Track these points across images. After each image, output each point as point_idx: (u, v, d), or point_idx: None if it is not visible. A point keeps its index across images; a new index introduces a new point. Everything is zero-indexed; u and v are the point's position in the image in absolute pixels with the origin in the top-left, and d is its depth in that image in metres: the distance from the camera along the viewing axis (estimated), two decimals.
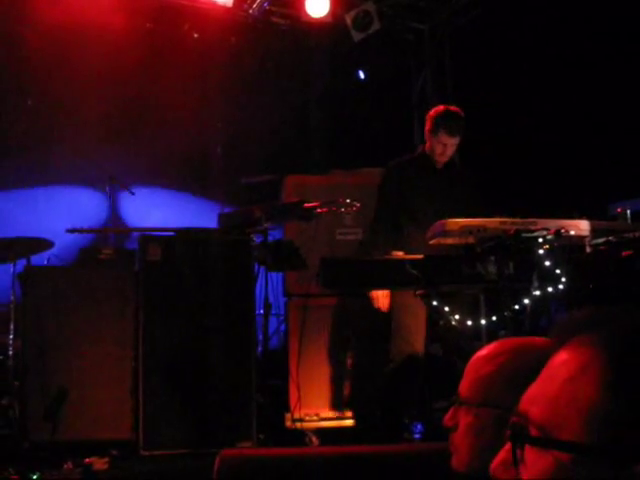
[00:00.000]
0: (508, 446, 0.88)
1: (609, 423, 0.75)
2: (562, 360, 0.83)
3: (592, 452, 0.75)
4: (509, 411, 0.91)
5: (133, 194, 5.28)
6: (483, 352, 1.42)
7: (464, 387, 1.40)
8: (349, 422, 4.93)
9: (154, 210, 5.83)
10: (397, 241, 4.24)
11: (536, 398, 0.84)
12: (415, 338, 4.18)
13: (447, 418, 1.42)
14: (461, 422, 1.38)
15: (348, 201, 3.95)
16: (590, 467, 0.76)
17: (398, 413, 4.35)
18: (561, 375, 0.81)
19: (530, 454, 0.82)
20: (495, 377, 1.33)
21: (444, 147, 4.25)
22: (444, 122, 4.20)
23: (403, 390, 4.30)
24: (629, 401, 0.75)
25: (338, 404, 4.92)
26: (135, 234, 4.60)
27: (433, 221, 3.48)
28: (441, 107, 4.31)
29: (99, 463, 3.91)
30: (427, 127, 4.32)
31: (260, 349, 4.51)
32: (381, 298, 4.21)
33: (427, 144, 4.36)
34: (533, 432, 0.82)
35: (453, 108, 4.27)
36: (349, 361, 4.98)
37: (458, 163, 4.64)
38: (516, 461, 0.84)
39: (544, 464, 0.80)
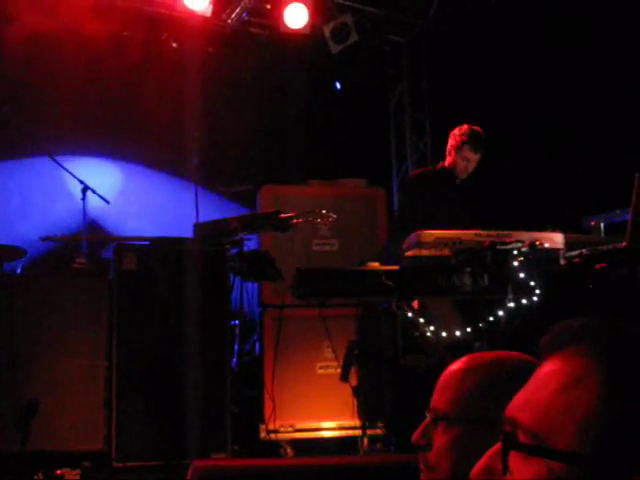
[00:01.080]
0: (491, 452, 0.88)
1: (605, 434, 0.75)
2: (553, 369, 0.83)
3: (587, 463, 0.75)
4: (496, 424, 0.89)
5: (108, 203, 5.25)
6: (457, 366, 1.38)
7: (443, 402, 1.35)
8: (325, 434, 4.91)
9: (128, 219, 5.79)
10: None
11: (525, 405, 0.83)
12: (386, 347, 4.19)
13: (417, 436, 1.37)
14: (439, 439, 1.33)
15: (324, 212, 3.96)
16: (581, 477, 0.75)
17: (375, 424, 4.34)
18: (553, 384, 0.81)
19: (516, 461, 0.81)
20: (480, 391, 1.30)
21: (467, 163, 4.52)
22: (469, 139, 4.51)
23: (377, 401, 4.30)
24: (625, 413, 0.75)
25: (313, 415, 4.90)
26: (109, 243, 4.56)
27: None
28: (465, 126, 4.59)
29: (70, 474, 3.87)
30: (451, 143, 4.59)
31: (235, 360, 4.49)
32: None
33: (449, 159, 4.59)
34: (522, 438, 0.81)
35: (476, 128, 4.57)
36: (329, 372, 4.95)
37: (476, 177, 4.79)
38: (506, 468, 0.83)
39: (533, 472, 0.79)
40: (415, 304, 3.71)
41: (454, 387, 1.35)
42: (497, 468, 0.85)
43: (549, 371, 0.83)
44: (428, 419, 1.38)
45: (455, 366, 1.40)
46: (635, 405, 0.75)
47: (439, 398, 1.37)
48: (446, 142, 4.69)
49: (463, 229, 3.54)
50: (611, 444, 0.75)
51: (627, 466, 0.74)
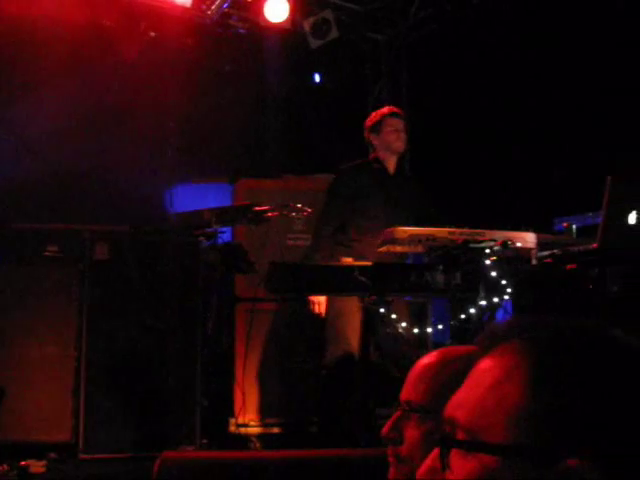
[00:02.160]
0: (434, 453, 0.89)
1: (533, 424, 0.77)
2: (487, 366, 0.85)
3: (516, 453, 0.77)
4: None
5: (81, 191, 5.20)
6: (431, 359, 1.38)
7: (417, 395, 1.35)
8: (294, 428, 4.91)
9: (105, 207, 5.73)
10: (344, 245, 4.26)
11: (462, 403, 0.85)
12: (351, 345, 4.18)
13: (387, 429, 1.37)
14: (412, 432, 1.33)
15: (299, 206, 3.95)
16: (515, 468, 0.77)
17: (336, 420, 4.34)
18: (486, 381, 0.84)
19: (456, 459, 0.83)
20: (455, 383, 1.29)
21: (397, 131, 4.40)
22: (385, 112, 4.45)
23: (340, 395, 4.30)
24: (550, 402, 0.78)
25: (283, 410, 4.90)
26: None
27: (385, 226, 3.51)
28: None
29: (36, 466, 3.82)
30: (370, 126, 4.48)
31: (206, 352, 4.47)
32: (322, 303, 4.22)
33: (378, 147, 4.47)
34: (460, 436, 0.83)
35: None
36: (299, 367, 4.96)
37: (408, 171, 4.72)
38: (444, 466, 0.84)
39: (470, 468, 0.81)
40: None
41: (429, 379, 1.35)
42: (439, 469, 0.86)
43: (482, 369, 0.86)
44: (399, 412, 1.38)
45: (428, 359, 1.39)
46: (560, 392, 0.78)
47: (412, 390, 1.37)
48: (424, 141, 4.68)
49: (397, 221, 3.57)
50: (540, 431, 0.77)
51: (558, 452, 0.76)
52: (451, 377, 1.31)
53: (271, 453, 2.38)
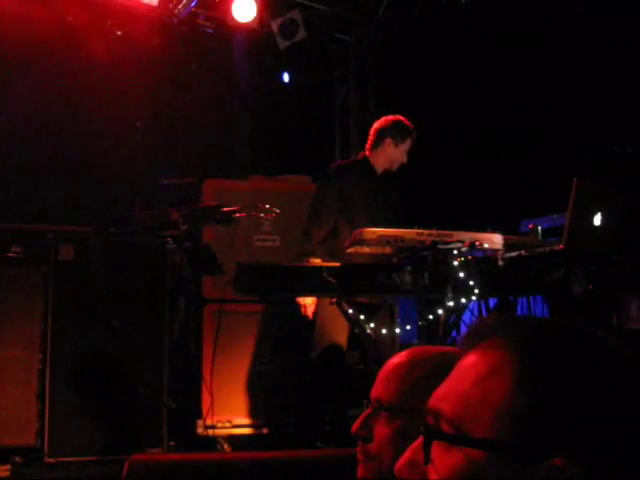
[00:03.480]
0: (414, 445, 0.89)
1: (519, 420, 0.78)
2: (471, 362, 0.86)
3: (502, 448, 0.78)
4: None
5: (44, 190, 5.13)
6: (402, 358, 1.39)
7: (387, 393, 1.36)
8: (263, 430, 4.90)
9: (70, 207, 5.66)
10: (333, 246, 4.24)
11: (446, 396, 0.86)
12: (338, 345, 4.19)
13: (357, 426, 1.37)
14: (381, 430, 1.34)
15: (268, 207, 3.94)
16: (500, 464, 0.78)
17: (316, 420, 4.35)
18: (471, 376, 0.84)
19: (438, 452, 0.84)
20: (426, 382, 1.26)
21: (407, 155, 4.34)
22: (412, 129, 4.32)
23: (321, 396, 4.31)
24: (535, 400, 0.78)
25: (251, 411, 4.89)
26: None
27: (369, 226, 3.52)
28: (398, 118, 4.38)
29: (1, 470, 3.76)
30: (391, 129, 4.34)
31: (173, 354, 4.44)
32: (309, 305, 4.21)
33: (380, 151, 4.37)
34: (445, 428, 0.84)
35: (400, 117, 4.38)
36: (264, 368, 4.95)
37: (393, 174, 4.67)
38: (427, 459, 0.84)
39: (454, 462, 0.81)
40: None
41: (400, 378, 1.36)
42: (419, 461, 0.86)
43: (468, 364, 0.86)
44: (369, 409, 1.39)
45: (399, 358, 1.41)
46: (546, 389, 0.78)
47: (383, 388, 1.37)
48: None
49: (382, 222, 3.58)
50: (526, 428, 0.78)
51: (543, 449, 0.76)
52: (421, 376, 1.33)
53: (238, 454, 2.38)
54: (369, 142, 4.45)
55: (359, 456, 1.37)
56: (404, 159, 4.39)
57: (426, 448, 0.85)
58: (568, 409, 0.77)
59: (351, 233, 3.93)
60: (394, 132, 4.35)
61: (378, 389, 1.38)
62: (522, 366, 0.81)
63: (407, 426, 1.31)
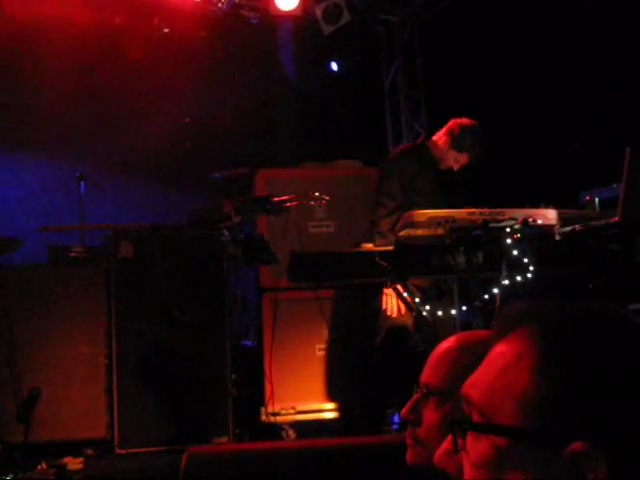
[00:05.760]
0: (450, 437, 0.90)
1: (541, 407, 0.79)
2: (500, 351, 0.87)
3: (526, 435, 0.79)
4: None
5: (100, 189, 5.25)
6: (451, 344, 1.40)
7: (436, 378, 1.37)
8: (327, 415, 4.94)
9: (125, 207, 5.80)
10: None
11: (475, 383, 0.88)
12: (403, 328, 4.20)
13: (406, 410, 1.38)
14: (430, 414, 1.35)
15: (317, 194, 3.95)
16: (525, 451, 0.79)
17: (381, 404, 4.36)
18: (498, 364, 0.86)
19: (470, 440, 0.85)
20: (474, 368, 1.30)
21: (459, 165, 4.43)
22: (478, 145, 4.39)
23: (387, 380, 4.32)
24: (558, 386, 0.79)
25: (315, 397, 4.93)
26: (106, 232, 4.57)
27: None
28: (475, 123, 4.44)
29: (73, 463, 3.89)
30: (466, 136, 4.40)
31: (234, 343, 4.51)
32: (393, 295, 4.19)
33: (446, 147, 4.42)
34: (475, 417, 0.85)
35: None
36: (327, 353, 4.98)
37: None
38: (456, 448, 0.86)
39: (483, 449, 0.83)
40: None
41: (448, 364, 1.36)
42: (453, 450, 0.88)
43: (496, 353, 0.88)
44: (418, 394, 1.39)
45: (448, 344, 1.41)
46: (567, 376, 0.79)
47: (432, 374, 1.39)
48: (442, 120, 4.61)
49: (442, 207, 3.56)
50: (549, 415, 0.78)
51: (566, 436, 0.77)
52: (469, 362, 1.31)
53: (295, 443, 2.40)
54: (445, 136, 4.47)
55: (408, 440, 1.38)
56: (456, 166, 4.45)
57: (455, 438, 0.87)
58: (590, 396, 0.77)
59: None
60: (472, 138, 4.40)
61: (427, 374, 1.39)
62: (543, 354, 0.81)
63: (452, 411, 1.30)
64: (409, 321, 4.20)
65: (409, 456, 1.39)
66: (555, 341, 0.82)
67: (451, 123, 4.48)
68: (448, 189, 4.42)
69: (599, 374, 0.78)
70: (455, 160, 4.44)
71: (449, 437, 0.91)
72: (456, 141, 4.40)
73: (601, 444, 0.75)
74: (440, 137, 4.49)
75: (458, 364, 1.34)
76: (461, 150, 4.39)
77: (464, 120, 4.48)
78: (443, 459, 0.92)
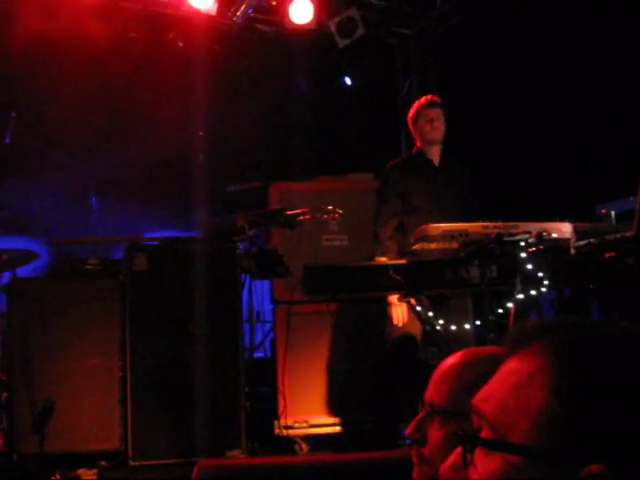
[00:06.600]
0: (458, 450, 0.89)
1: (556, 428, 0.77)
2: (513, 367, 0.86)
3: (541, 455, 0.77)
4: None
5: (113, 202, 5.29)
6: (455, 360, 1.38)
7: (440, 396, 1.35)
8: (340, 429, 4.92)
9: (138, 220, 5.83)
10: (401, 243, 4.25)
11: (488, 397, 0.86)
12: (410, 341, 4.19)
13: (411, 430, 1.37)
14: (435, 433, 1.34)
15: (330, 208, 3.96)
16: (539, 470, 0.77)
17: (392, 418, 4.34)
18: (511, 381, 0.84)
19: (480, 456, 0.84)
20: (478, 386, 1.28)
21: (431, 121, 4.41)
22: (422, 103, 4.50)
23: (395, 393, 4.31)
24: (574, 406, 0.77)
25: (327, 411, 4.92)
26: (121, 244, 4.60)
27: (439, 220, 3.51)
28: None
29: (87, 474, 3.91)
30: (410, 118, 4.53)
31: (247, 357, 4.51)
32: (396, 305, 4.19)
33: (417, 138, 4.51)
34: (486, 433, 0.84)
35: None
36: (339, 367, 4.97)
37: (455, 161, 4.66)
38: (466, 463, 0.85)
39: (495, 466, 0.81)
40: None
41: (452, 381, 1.34)
42: (462, 465, 0.87)
43: (509, 369, 0.86)
44: (423, 413, 1.38)
45: (452, 360, 1.39)
46: (584, 397, 0.77)
47: (435, 392, 1.37)
48: (456, 134, 4.64)
49: (451, 215, 3.55)
50: (563, 436, 0.77)
51: (581, 457, 0.75)
52: (474, 379, 1.30)
53: (308, 457, 2.40)
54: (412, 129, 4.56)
55: (414, 459, 1.37)
56: (432, 132, 4.46)
57: (465, 454, 0.85)
58: (607, 417, 0.76)
59: (415, 229, 3.91)
60: (411, 116, 4.51)
61: (431, 392, 1.37)
62: (558, 373, 0.80)
63: (458, 427, 1.30)
64: (417, 331, 4.18)
65: (416, 474, 1.38)
66: (570, 359, 0.81)
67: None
68: (449, 188, 4.40)
69: (616, 394, 0.77)
70: (423, 130, 4.46)
71: (456, 451, 0.90)
72: (412, 120, 4.52)
73: (618, 467, 0.74)
74: (414, 136, 4.59)
75: (462, 381, 1.33)
76: (418, 115, 4.47)
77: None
78: (449, 473, 0.92)
